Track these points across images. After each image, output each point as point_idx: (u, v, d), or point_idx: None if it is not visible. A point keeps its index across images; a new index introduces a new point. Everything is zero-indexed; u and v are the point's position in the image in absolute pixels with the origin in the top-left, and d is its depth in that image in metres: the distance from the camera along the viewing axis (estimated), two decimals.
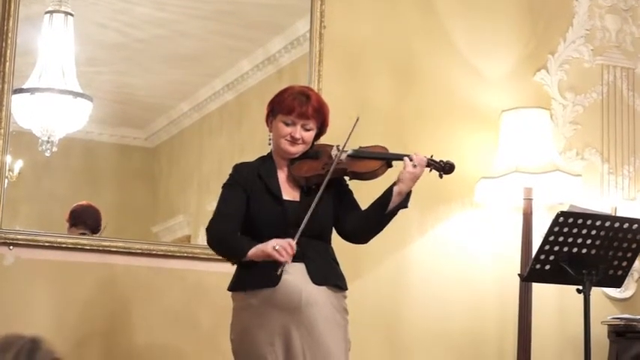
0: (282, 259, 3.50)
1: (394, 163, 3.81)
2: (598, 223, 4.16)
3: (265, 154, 3.90)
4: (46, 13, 4.72)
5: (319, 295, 3.66)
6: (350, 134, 3.75)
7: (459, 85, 5.43)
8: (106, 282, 4.62)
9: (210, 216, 3.81)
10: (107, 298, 4.61)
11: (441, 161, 3.81)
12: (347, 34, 5.21)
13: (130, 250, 4.66)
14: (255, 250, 3.59)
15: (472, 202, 5.34)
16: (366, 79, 5.25)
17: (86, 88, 4.75)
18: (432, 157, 3.81)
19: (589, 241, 4.16)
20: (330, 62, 5.10)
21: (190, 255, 4.78)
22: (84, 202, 4.74)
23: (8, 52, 4.48)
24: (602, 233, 4.17)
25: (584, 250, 4.17)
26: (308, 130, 3.79)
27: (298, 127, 3.77)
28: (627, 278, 4.49)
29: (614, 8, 5.87)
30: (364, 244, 3.91)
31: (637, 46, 5.90)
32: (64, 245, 4.53)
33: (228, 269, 3.83)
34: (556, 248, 4.15)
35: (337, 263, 3.83)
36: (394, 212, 3.77)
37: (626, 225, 4.22)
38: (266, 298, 3.63)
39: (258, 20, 5.15)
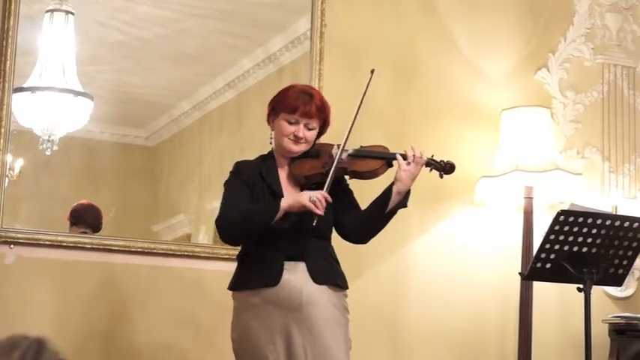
0: (318, 211, 3.53)
1: (395, 162, 3.81)
2: (599, 221, 4.16)
3: (265, 152, 3.90)
4: (47, 11, 4.71)
5: (320, 294, 3.66)
6: (349, 132, 3.74)
7: (459, 83, 5.44)
8: (106, 281, 4.62)
9: (211, 215, 3.83)
10: (108, 296, 4.62)
11: (442, 161, 3.81)
12: (348, 32, 5.21)
13: (131, 249, 4.66)
14: (290, 202, 3.60)
15: (473, 201, 5.35)
16: (366, 77, 5.22)
17: (87, 86, 4.75)
18: (432, 157, 3.81)
19: (590, 240, 4.16)
20: (331, 61, 5.10)
21: (191, 254, 4.78)
22: (84, 201, 4.74)
23: (9, 50, 4.48)
24: (602, 232, 4.17)
25: (584, 249, 4.17)
26: (311, 129, 3.79)
27: (301, 125, 3.77)
28: (628, 277, 4.48)
29: (614, 7, 5.86)
30: (364, 244, 3.91)
31: (638, 44, 5.90)
32: (64, 244, 4.54)
33: (229, 268, 3.83)
34: (557, 247, 4.15)
35: (338, 262, 3.82)
36: (393, 212, 3.76)
37: (626, 224, 4.22)
38: (267, 297, 3.63)
39: (259, 19, 5.15)
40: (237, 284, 3.76)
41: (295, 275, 3.65)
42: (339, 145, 3.78)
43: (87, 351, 4.50)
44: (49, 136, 4.64)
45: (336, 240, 3.87)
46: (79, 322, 4.54)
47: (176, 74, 5.18)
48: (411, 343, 5.17)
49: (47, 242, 4.50)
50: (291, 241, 3.67)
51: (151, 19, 4.96)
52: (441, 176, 3.83)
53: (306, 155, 3.82)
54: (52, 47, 4.72)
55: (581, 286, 4.16)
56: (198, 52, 5.13)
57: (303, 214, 3.61)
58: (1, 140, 4.43)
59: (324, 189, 3.65)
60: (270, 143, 3.88)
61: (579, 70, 5.72)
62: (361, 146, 3.85)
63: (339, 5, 5.17)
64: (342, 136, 3.77)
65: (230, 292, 3.77)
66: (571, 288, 4.23)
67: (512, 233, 5.29)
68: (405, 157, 3.75)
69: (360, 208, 3.86)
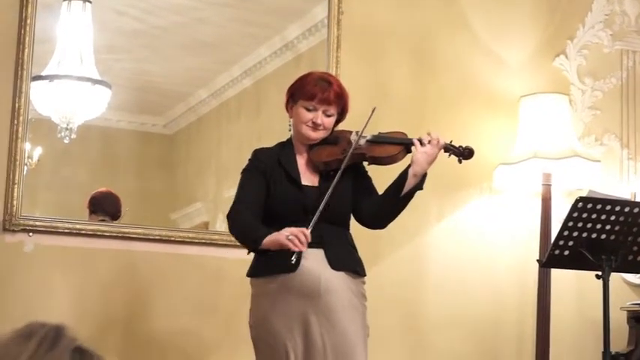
0: (295, 248, 3.50)
1: (413, 148, 3.80)
2: (617, 208, 4.14)
3: (284, 139, 3.90)
4: (64, 0, 4.72)
5: (338, 281, 3.67)
6: (368, 121, 3.75)
7: (477, 70, 5.42)
8: (124, 268, 4.63)
9: (228, 203, 3.82)
10: (126, 284, 4.63)
11: (460, 146, 3.81)
12: (365, 19, 5.20)
13: (149, 237, 4.67)
14: (269, 240, 3.58)
15: (491, 188, 5.34)
16: (384, 64, 5.24)
17: (104, 75, 4.76)
18: (451, 142, 3.81)
19: (608, 227, 4.14)
20: (348, 48, 5.09)
21: (208, 241, 4.79)
22: (103, 189, 4.76)
23: (27, 39, 4.49)
24: (621, 219, 4.15)
25: (603, 236, 4.14)
26: (329, 115, 3.79)
27: (320, 112, 3.77)
28: None
29: None
30: (382, 230, 3.91)
31: None
32: (83, 232, 4.55)
33: (247, 255, 3.84)
34: (575, 234, 4.13)
35: (355, 249, 3.83)
36: (410, 195, 3.75)
37: None
38: (285, 284, 3.64)
39: (276, 7, 5.15)
40: (255, 271, 3.77)
41: (313, 262, 3.65)
42: (357, 132, 3.78)
43: (105, 338, 4.52)
44: (68, 125, 4.65)
45: (354, 227, 3.88)
46: (97, 310, 4.55)
47: (194, 62, 5.18)
48: (429, 330, 5.17)
49: (66, 230, 4.52)
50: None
51: (168, 7, 4.96)
52: (460, 161, 3.83)
53: (324, 142, 3.82)
54: (69, 36, 4.73)
55: (599, 273, 4.14)
56: (215, 41, 5.13)
57: (319, 199, 3.62)
58: (20, 129, 4.44)
59: (338, 174, 3.65)
60: (289, 130, 3.88)
61: (598, 57, 5.70)
62: (380, 132, 3.85)
63: None
64: (360, 123, 3.77)
65: (248, 279, 3.78)
66: (589, 275, 4.21)
67: (530, 220, 5.28)
68: (422, 142, 3.75)
69: (378, 194, 3.86)
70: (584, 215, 4.11)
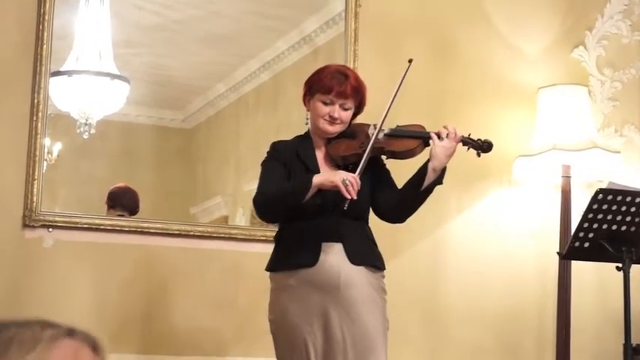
0: (347, 194, 3.50)
1: (431, 142, 3.79)
2: (637, 200, 4.12)
3: (302, 133, 3.90)
4: None
5: (357, 275, 3.66)
6: (386, 115, 3.74)
7: (496, 62, 5.40)
8: (143, 263, 4.64)
9: (247, 196, 3.83)
10: (145, 279, 4.64)
11: (479, 140, 3.79)
12: (382, 12, 5.18)
13: (168, 232, 4.67)
14: (322, 178, 3.58)
15: (510, 180, 5.32)
16: (402, 57, 5.18)
17: (123, 69, 4.77)
18: (469, 135, 3.79)
19: (628, 219, 4.12)
20: (366, 41, 5.08)
21: (228, 236, 4.79)
22: (122, 184, 4.77)
23: (45, 34, 4.50)
24: None
25: (623, 228, 4.13)
26: (346, 109, 3.78)
27: (337, 106, 3.76)
28: None
29: None
30: (401, 224, 3.90)
31: None
32: (102, 227, 4.56)
33: (266, 250, 3.84)
34: (595, 226, 4.11)
35: (375, 243, 3.82)
36: (429, 189, 3.74)
37: None
38: (304, 278, 3.64)
39: (294, 0, 5.14)
40: (274, 265, 3.76)
41: (333, 256, 3.65)
42: (375, 125, 3.77)
43: (124, 333, 4.53)
44: (87, 120, 4.66)
45: (373, 221, 3.87)
46: (116, 305, 4.56)
47: (212, 56, 5.18)
48: (449, 323, 5.17)
49: (85, 225, 4.52)
50: (328, 222, 3.67)
51: (186, 1, 4.96)
52: (479, 155, 3.82)
53: (342, 135, 3.81)
54: (88, 31, 4.74)
55: (620, 265, 4.12)
56: (233, 34, 5.13)
57: (338, 195, 3.58)
58: (39, 124, 4.45)
59: (359, 169, 3.64)
60: (307, 124, 3.87)
61: (617, 47, 5.67)
62: (397, 126, 3.84)
63: None
64: (378, 116, 3.76)
65: (267, 274, 3.78)
66: (610, 267, 4.20)
67: (549, 212, 5.26)
68: (440, 136, 3.74)
69: (397, 188, 3.84)
70: (605, 207, 4.09)
